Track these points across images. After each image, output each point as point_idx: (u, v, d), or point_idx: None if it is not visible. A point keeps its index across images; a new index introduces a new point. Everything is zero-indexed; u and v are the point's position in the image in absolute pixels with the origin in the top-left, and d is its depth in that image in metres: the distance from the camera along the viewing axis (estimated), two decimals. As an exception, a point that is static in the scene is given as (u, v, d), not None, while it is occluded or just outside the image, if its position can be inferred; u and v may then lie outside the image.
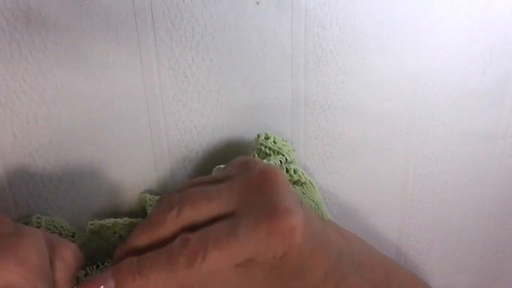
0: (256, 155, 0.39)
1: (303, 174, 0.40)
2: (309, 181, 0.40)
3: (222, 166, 0.36)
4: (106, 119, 0.37)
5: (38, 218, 0.36)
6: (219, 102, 0.40)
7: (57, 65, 0.35)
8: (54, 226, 0.36)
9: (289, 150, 0.40)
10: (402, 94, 0.45)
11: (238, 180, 0.27)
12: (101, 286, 0.24)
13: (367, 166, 0.47)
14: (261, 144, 0.39)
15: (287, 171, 0.39)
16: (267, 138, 0.39)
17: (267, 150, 0.39)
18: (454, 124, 0.48)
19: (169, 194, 0.29)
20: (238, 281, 0.26)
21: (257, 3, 0.38)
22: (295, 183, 0.40)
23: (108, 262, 0.33)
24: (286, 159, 0.39)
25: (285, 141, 0.41)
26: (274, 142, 0.39)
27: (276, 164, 0.38)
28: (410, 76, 0.44)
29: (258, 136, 0.40)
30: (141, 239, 0.26)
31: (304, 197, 0.40)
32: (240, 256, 0.25)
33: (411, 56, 0.44)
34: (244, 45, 0.39)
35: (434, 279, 0.55)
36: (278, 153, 0.39)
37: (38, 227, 0.36)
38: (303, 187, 0.40)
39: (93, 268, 0.34)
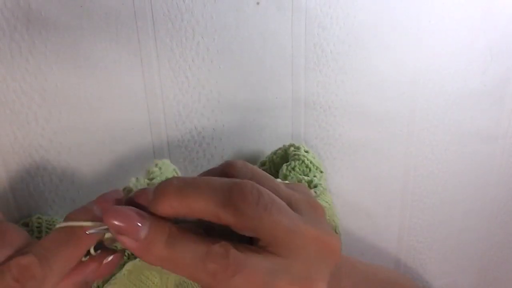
0: (297, 165, 0.38)
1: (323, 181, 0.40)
2: (323, 187, 0.40)
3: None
4: (106, 119, 0.37)
5: (39, 218, 0.36)
6: (220, 102, 0.40)
7: (57, 65, 0.35)
8: (55, 226, 0.36)
9: (320, 164, 0.40)
10: (402, 94, 0.45)
11: (313, 230, 0.26)
12: (134, 229, 0.23)
13: (367, 166, 0.47)
14: (304, 157, 0.38)
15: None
16: (307, 151, 0.39)
17: (309, 164, 0.38)
18: (454, 124, 0.48)
19: (255, 184, 0.25)
20: None
21: (257, 3, 0.38)
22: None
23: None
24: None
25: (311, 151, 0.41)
26: (305, 151, 0.39)
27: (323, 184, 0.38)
28: (410, 76, 0.44)
29: (294, 146, 0.39)
30: (202, 205, 0.24)
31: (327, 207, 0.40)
32: None
33: (411, 56, 0.44)
34: (245, 46, 0.39)
35: (434, 279, 0.55)
36: (318, 168, 0.39)
37: (39, 227, 0.36)
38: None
39: None
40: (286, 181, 0.33)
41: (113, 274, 0.32)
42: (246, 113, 0.41)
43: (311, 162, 0.38)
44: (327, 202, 0.40)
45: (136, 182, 0.33)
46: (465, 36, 0.44)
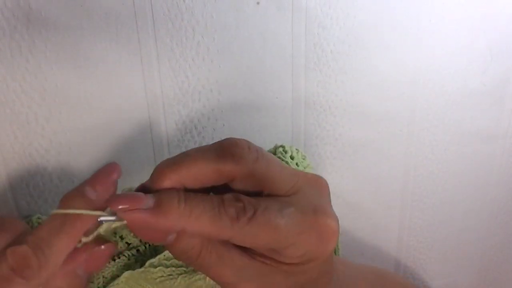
0: None
1: None
2: None
3: None
4: (106, 119, 0.37)
5: (39, 218, 0.36)
6: (220, 102, 0.40)
7: (57, 65, 0.35)
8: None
9: (307, 165, 0.40)
10: (402, 94, 0.45)
11: (302, 173, 0.28)
12: (140, 200, 0.23)
13: (367, 166, 0.47)
14: (288, 163, 0.38)
15: None
16: (292, 157, 0.39)
17: (295, 166, 0.39)
18: (454, 124, 0.48)
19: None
20: (258, 271, 0.26)
21: (258, 3, 0.38)
22: None
23: (109, 262, 0.33)
24: None
25: (301, 153, 0.40)
26: (291, 157, 0.39)
27: None
28: (410, 76, 0.44)
29: (283, 148, 0.39)
30: (200, 166, 0.25)
31: None
32: (278, 237, 0.25)
33: (411, 56, 0.44)
34: (245, 45, 0.39)
35: (434, 279, 0.55)
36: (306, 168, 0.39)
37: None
38: None
39: None
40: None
41: (112, 279, 0.32)
42: (246, 113, 0.41)
43: (296, 165, 0.39)
44: None
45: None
46: (465, 36, 0.44)
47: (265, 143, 0.43)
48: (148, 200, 0.23)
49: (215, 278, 0.26)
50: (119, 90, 0.37)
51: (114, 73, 0.36)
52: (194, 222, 0.23)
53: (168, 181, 0.24)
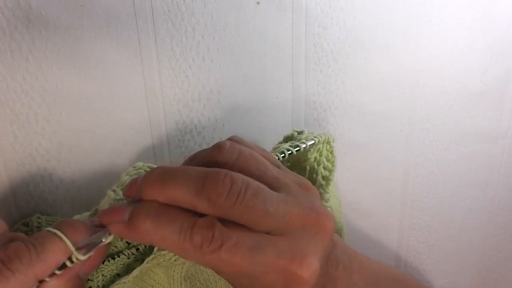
0: (313, 160, 0.37)
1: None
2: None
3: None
4: (106, 119, 0.37)
5: (39, 218, 0.36)
6: (220, 102, 0.40)
7: (57, 65, 0.35)
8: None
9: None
10: (402, 94, 0.45)
11: (297, 209, 0.26)
12: (118, 214, 0.25)
13: (367, 166, 0.47)
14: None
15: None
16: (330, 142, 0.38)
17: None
18: (454, 124, 0.48)
19: (230, 172, 0.26)
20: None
21: (258, 3, 0.38)
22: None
23: (108, 261, 0.33)
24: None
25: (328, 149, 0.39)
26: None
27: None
28: (410, 76, 0.44)
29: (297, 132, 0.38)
30: (179, 194, 0.25)
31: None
32: (242, 271, 0.24)
33: (411, 56, 0.44)
34: (245, 45, 0.39)
35: (434, 279, 0.55)
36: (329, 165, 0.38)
37: (39, 227, 0.36)
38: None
39: None
40: (284, 155, 0.32)
41: (118, 275, 0.32)
42: (246, 113, 0.41)
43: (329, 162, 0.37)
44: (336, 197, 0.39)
45: (115, 195, 0.33)
46: (465, 36, 0.44)
47: (265, 143, 0.43)
48: (125, 214, 0.25)
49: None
50: (119, 90, 0.37)
51: (114, 73, 0.36)
52: (159, 240, 0.24)
53: (150, 194, 0.25)
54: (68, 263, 0.25)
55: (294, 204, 0.26)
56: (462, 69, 0.45)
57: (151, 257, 0.31)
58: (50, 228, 0.25)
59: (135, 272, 0.30)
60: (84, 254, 0.25)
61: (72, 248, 0.25)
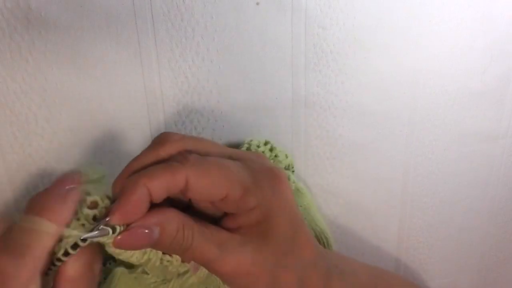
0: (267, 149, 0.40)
1: (294, 182, 0.41)
2: (297, 188, 0.41)
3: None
4: (106, 120, 0.37)
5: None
6: (219, 102, 0.40)
7: (57, 65, 0.35)
8: None
9: (286, 156, 0.40)
10: (402, 94, 0.45)
11: (251, 164, 0.29)
12: (144, 238, 0.25)
13: (367, 166, 0.47)
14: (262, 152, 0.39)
15: None
16: (266, 144, 0.40)
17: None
18: (454, 124, 0.48)
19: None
20: (238, 243, 0.28)
21: (257, 3, 0.38)
22: None
23: (110, 263, 0.33)
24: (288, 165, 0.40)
25: (280, 149, 0.41)
26: (270, 150, 0.40)
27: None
28: (410, 76, 0.44)
29: (249, 143, 0.40)
30: (145, 157, 0.28)
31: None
32: (226, 180, 0.26)
33: (411, 56, 0.44)
34: (244, 46, 0.39)
35: (434, 279, 0.55)
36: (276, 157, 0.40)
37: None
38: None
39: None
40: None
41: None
42: (246, 113, 0.41)
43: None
44: (301, 206, 0.40)
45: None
46: (465, 36, 0.44)
47: (265, 143, 0.43)
48: (155, 233, 0.26)
49: (202, 258, 0.27)
50: (119, 90, 0.37)
51: (114, 73, 0.36)
52: (153, 180, 0.25)
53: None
54: (80, 242, 0.24)
55: (244, 164, 0.29)
56: (462, 69, 0.45)
57: (134, 274, 0.31)
58: (24, 222, 0.24)
59: (121, 276, 0.31)
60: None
61: (62, 231, 0.24)
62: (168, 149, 0.28)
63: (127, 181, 0.26)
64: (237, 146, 0.41)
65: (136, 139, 0.39)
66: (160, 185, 0.25)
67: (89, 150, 0.38)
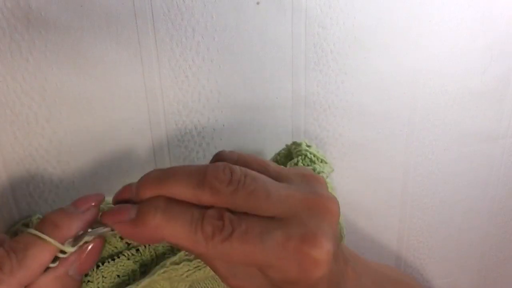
0: (300, 160, 0.38)
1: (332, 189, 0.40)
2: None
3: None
4: (106, 119, 0.37)
5: (39, 218, 0.36)
6: (220, 102, 0.40)
7: (57, 65, 0.35)
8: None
9: (324, 157, 0.39)
10: (402, 94, 0.45)
11: (299, 193, 0.26)
12: (124, 213, 0.25)
13: (367, 166, 0.47)
14: (306, 151, 0.38)
15: None
16: (309, 145, 0.39)
17: (312, 157, 0.38)
18: (454, 124, 0.48)
19: (228, 164, 0.27)
20: (247, 273, 0.26)
21: (258, 3, 0.38)
22: None
23: (108, 262, 0.33)
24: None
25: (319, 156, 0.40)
26: (316, 150, 0.39)
27: (324, 175, 0.37)
28: (410, 76, 0.44)
29: (295, 143, 0.39)
30: (181, 189, 0.25)
31: None
32: (255, 259, 0.24)
33: (411, 56, 0.44)
34: (245, 45, 0.39)
35: (434, 279, 0.55)
36: (322, 160, 0.38)
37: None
38: None
39: (93, 269, 0.34)
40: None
41: (118, 277, 0.32)
42: (246, 113, 0.41)
43: (314, 155, 0.38)
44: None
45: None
46: (465, 36, 0.44)
47: (265, 143, 0.43)
48: (131, 212, 0.25)
49: (213, 270, 0.27)
50: (119, 90, 0.37)
51: (114, 73, 0.36)
52: (170, 234, 0.24)
53: (150, 193, 0.25)
54: (60, 254, 0.25)
55: (296, 189, 0.26)
56: (462, 69, 0.45)
57: (162, 270, 0.31)
58: (31, 230, 0.25)
59: (144, 282, 0.30)
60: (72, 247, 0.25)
61: (60, 246, 0.25)
62: (211, 201, 0.25)
63: (148, 205, 0.25)
64: (237, 145, 0.41)
65: (136, 139, 0.39)
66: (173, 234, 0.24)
67: (89, 150, 0.38)
